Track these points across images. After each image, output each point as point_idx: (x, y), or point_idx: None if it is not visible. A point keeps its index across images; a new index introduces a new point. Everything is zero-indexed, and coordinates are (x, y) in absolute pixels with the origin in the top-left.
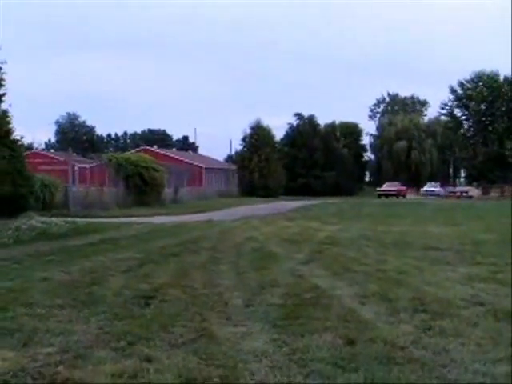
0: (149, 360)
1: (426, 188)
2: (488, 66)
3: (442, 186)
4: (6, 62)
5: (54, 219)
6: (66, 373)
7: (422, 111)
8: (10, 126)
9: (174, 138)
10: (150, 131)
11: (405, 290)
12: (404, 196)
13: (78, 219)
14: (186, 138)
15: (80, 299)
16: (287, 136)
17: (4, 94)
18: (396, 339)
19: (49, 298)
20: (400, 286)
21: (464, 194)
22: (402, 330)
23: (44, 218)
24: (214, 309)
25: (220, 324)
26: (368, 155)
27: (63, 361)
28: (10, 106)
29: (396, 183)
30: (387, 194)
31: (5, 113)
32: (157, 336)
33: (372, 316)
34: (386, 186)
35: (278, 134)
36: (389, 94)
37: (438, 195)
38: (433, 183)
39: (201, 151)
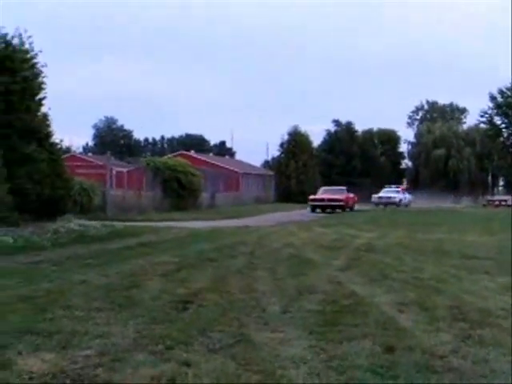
0: (187, 364)
1: (380, 194)
2: None
3: (407, 190)
4: (46, 66)
5: (91, 222)
6: (105, 375)
7: (460, 119)
8: (50, 129)
9: (212, 143)
10: (188, 136)
11: (443, 299)
12: (351, 208)
13: (115, 223)
14: (223, 143)
15: (118, 302)
16: (325, 142)
17: (44, 98)
18: (435, 348)
19: (87, 300)
20: (438, 294)
21: (503, 203)
22: (441, 339)
23: (82, 221)
24: (251, 314)
25: (258, 330)
26: (406, 163)
27: (102, 363)
28: (49, 109)
29: (339, 189)
30: (324, 206)
31: (45, 116)
32: (195, 340)
33: (410, 324)
34: (323, 193)
35: (316, 140)
36: (428, 102)
37: (395, 204)
38: (392, 187)
39: (238, 156)
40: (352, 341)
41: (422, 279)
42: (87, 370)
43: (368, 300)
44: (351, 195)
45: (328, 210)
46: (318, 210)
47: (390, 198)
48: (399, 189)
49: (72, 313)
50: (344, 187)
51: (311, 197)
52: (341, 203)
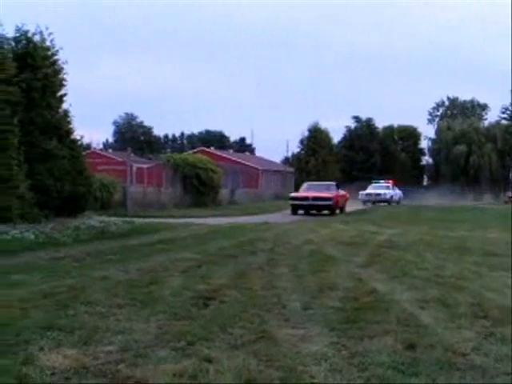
0: (209, 360)
1: (368, 190)
2: None
3: (396, 184)
4: (66, 62)
5: (112, 219)
6: (127, 371)
7: (481, 115)
8: (71, 125)
9: (231, 139)
10: (207, 132)
11: (465, 296)
12: (342, 209)
13: (135, 219)
14: (243, 139)
15: (139, 299)
16: (345, 139)
17: (65, 94)
18: (457, 345)
19: (108, 296)
20: (460, 291)
21: None
22: (463, 336)
23: (102, 218)
24: (272, 311)
25: (279, 326)
26: (426, 159)
27: (124, 359)
28: (70, 105)
29: (327, 184)
30: (308, 206)
31: (66, 113)
32: (216, 337)
33: (432, 321)
34: (306, 190)
35: (336, 136)
36: (448, 98)
37: (387, 201)
38: (380, 182)
39: (257, 153)
40: (373, 338)
41: (443, 276)
42: (109, 365)
43: (389, 297)
44: (342, 193)
45: (313, 212)
46: (301, 212)
47: (379, 194)
48: (388, 184)
49: (93, 309)
50: (333, 182)
51: (292, 194)
52: (329, 203)
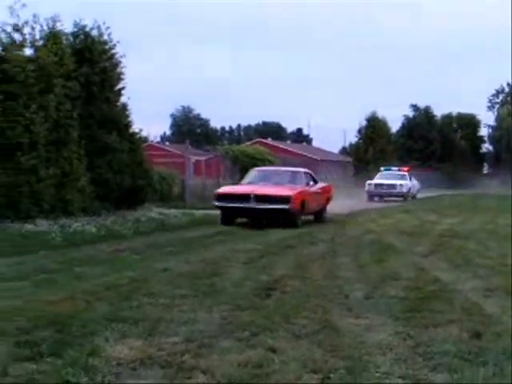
0: (273, 350)
1: (377, 180)
2: None
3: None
4: (124, 56)
5: (171, 211)
6: (192, 362)
7: None
8: (129, 119)
9: (288, 130)
10: (264, 124)
11: None
12: (318, 215)
13: (194, 211)
14: (299, 130)
15: (201, 290)
16: (403, 127)
17: (123, 88)
18: None
19: (171, 288)
20: None
21: None
22: None
23: (162, 210)
24: (334, 301)
25: (342, 316)
26: (486, 147)
27: (189, 350)
28: (128, 99)
29: (291, 171)
30: (251, 212)
31: (124, 106)
32: (280, 327)
33: (497, 310)
34: (251, 183)
35: (394, 125)
36: (508, 84)
37: (402, 195)
38: (393, 170)
39: (315, 143)
40: (438, 327)
41: (506, 265)
42: (174, 356)
43: (452, 286)
44: (318, 187)
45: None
46: (241, 220)
47: (393, 186)
48: (404, 172)
49: (156, 300)
50: (303, 169)
51: (220, 190)
52: (285, 206)
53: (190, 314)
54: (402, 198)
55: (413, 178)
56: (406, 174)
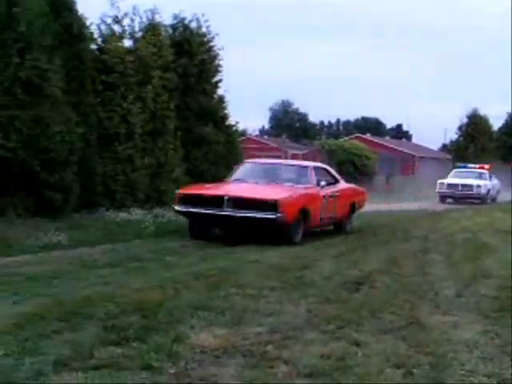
0: (357, 344)
1: (451, 180)
2: None
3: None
4: (223, 49)
5: None
6: (275, 352)
7: None
8: (226, 111)
9: (388, 126)
10: (363, 119)
11: None
12: (340, 223)
13: None
14: (399, 126)
15: (290, 282)
16: (506, 125)
17: (220, 80)
18: None
19: (259, 279)
20: None
21: None
22: None
23: None
24: (424, 297)
25: (430, 313)
26: None
27: (272, 341)
28: (225, 91)
29: (304, 167)
30: (237, 224)
31: (221, 98)
32: (366, 321)
33: None
34: (233, 183)
35: (496, 123)
36: None
37: (480, 198)
38: (469, 167)
39: (414, 140)
40: None
41: None
42: (257, 346)
43: None
44: (336, 189)
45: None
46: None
47: (470, 187)
48: (484, 170)
49: (244, 291)
50: (314, 163)
51: (183, 190)
52: (270, 215)
53: (276, 305)
54: (479, 201)
55: (493, 177)
56: (486, 172)
